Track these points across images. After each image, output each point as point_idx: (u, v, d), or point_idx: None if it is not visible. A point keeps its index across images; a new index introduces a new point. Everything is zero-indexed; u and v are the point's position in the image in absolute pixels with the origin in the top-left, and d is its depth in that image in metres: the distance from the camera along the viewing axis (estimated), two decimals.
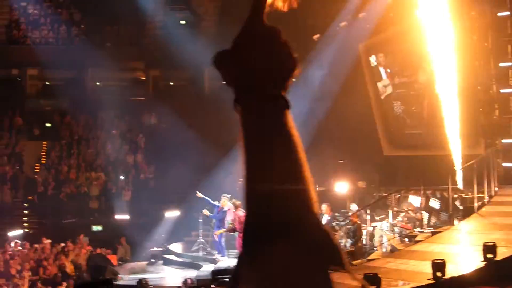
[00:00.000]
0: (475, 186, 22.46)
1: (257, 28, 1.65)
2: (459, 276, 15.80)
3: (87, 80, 43.22)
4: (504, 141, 25.51)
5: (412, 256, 19.69)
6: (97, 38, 42.46)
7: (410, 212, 25.37)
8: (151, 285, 20.66)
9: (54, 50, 39.91)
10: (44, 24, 42.57)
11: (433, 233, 22.09)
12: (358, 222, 24.68)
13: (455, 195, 24.65)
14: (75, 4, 44.34)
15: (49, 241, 30.27)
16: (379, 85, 31.55)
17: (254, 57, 1.62)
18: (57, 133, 41.01)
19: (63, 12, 43.54)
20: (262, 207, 1.53)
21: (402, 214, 25.74)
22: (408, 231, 24.40)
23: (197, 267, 25.14)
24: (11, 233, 31.55)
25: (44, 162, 39.17)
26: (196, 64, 39.31)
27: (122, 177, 37.42)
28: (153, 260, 29.04)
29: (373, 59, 31.57)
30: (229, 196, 25.01)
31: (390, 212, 25.49)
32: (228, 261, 23.70)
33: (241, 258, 1.59)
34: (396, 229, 24.70)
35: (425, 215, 25.12)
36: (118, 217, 34.11)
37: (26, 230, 33.86)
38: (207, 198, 25.30)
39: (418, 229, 23.89)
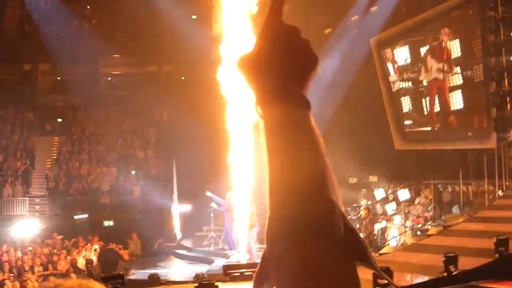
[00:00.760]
0: (486, 180, 22.40)
1: (276, 28, 1.65)
2: (472, 270, 15.76)
3: (99, 76, 43.29)
4: None
5: (424, 249, 19.66)
6: (109, 33, 42.52)
7: (422, 206, 25.33)
8: (162, 280, 20.67)
9: (66, 46, 39.94)
10: (56, 19, 42.63)
11: (445, 227, 22.04)
12: (370, 216, 24.66)
13: (467, 189, 24.62)
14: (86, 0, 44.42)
15: (61, 236, 30.34)
16: (390, 79, 31.52)
17: (274, 57, 1.63)
18: (68, 128, 41.13)
19: (75, 7, 43.62)
20: (287, 207, 1.53)
21: (414, 208, 25.71)
22: (419, 225, 24.38)
23: (209, 261, 25.11)
24: (23, 228, 31.64)
25: (56, 157, 39.26)
26: (207, 59, 39.34)
27: (133, 172, 37.47)
28: (164, 255, 29.07)
29: (383, 54, 31.55)
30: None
31: (402, 206, 25.44)
32: (239, 255, 23.66)
33: (264, 257, 1.58)
34: (408, 223, 24.67)
35: (437, 209, 25.07)
36: (129, 212, 34.16)
37: (38, 225, 33.93)
38: (216, 196, 25.29)
39: (430, 223, 23.84)
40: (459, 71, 28.43)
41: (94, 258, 27.07)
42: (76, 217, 33.07)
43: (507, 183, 22.84)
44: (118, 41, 42.40)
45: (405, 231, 24.08)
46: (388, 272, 14.43)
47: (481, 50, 27.05)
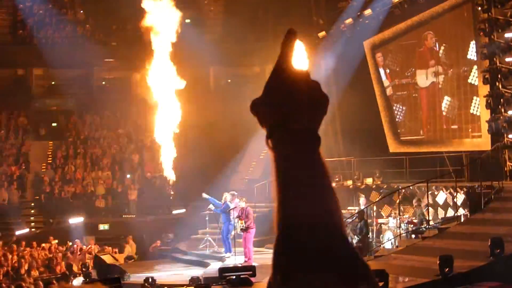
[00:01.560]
0: (481, 182, 22.48)
1: (286, 72, 1.74)
2: (467, 272, 15.83)
3: (93, 79, 43.30)
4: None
5: (419, 252, 19.73)
6: (102, 37, 42.55)
7: (416, 208, 25.39)
8: (158, 283, 20.70)
9: (60, 50, 39.94)
10: (49, 24, 42.64)
11: (440, 230, 22.13)
12: (365, 218, 24.71)
13: (462, 191, 24.69)
14: (79, 4, 44.42)
15: (56, 240, 30.35)
16: (384, 83, 31.66)
17: (285, 97, 1.71)
18: (63, 132, 41.13)
19: (68, 12, 43.63)
20: (296, 238, 1.60)
21: (409, 210, 25.79)
22: (414, 227, 24.44)
23: (204, 265, 25.11)
24: (18, 233, 31.62)
25: (51, 161, 39.27)
26: (202, 63, 39.40)
27: (128, 176, 37.49)
28: (160, 258, 29.06)
29: (377, 57, 31.68)
30: (236, 193, 24.98)
31: (397, 208, 25.50)
32: (235, 259, 23.70)
33: (270, 285, 1.65)
34: (403, 225, 24.73)
35: (432, 211, 25.12)
36: (124, 215, 34.17)
37: (33, 229, 33.93)
38: (212, 198, 25.30)
39: (425, 225, 23.90)
40: (451, 74, 28.57)
41: (89, 262, 27.08)
42: (71, 220, 33.04)
43: (502, 185, 22.93)
44: (112, 46, 42.40)
45: (400, 234, 24.14)
46: (383, 274, 14.49)
47: (474, 52, 27.19)
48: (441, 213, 26.25)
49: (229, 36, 40.55)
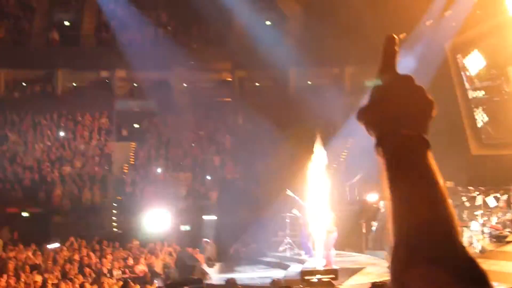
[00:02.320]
0: None
1: (390, 77, 1.71)
2: None
3: (174, 81, 43.68)
4: None
5: (504, 257, 19.40)
6: (183, 39, 42.91)
7: (501, 213, 24.91)
8: (239, 285, 20.73)
9: (142, 52, 40.42)
10: (132, 26, 43.16)
11: None
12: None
13: None
14: (162, 6, 44.88)
15: (138, 241, 30.67)
16: (467, 84, 31.13)
17: (392, 104, 1.68)
18: (145, 134, 41.56)
19: (151, 14, 44.10)
20: (411, 243, 1.56)
21: (492, 214, 25.30)
22: (498, 232, 23.98)
23: (285, 267, 25.11)
24: (100, 233, 32.05)
25: (133, 162, 39.71)
26: (281, 65, 39.44)
27: (208, 178, 37.67)
28: (240, 260, 29.14)
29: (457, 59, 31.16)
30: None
31: (480, 212, 25.04)
32: (315, 261, 23.61)
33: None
34: (486, 230, 24.28)
35: None
36: (205, 217, 34.34)
37: (115, 230, 34.34)
38: (296, 197, 25.23)
39: (509, 229, 23.45)
40: None
41: (171, 262, 27.30)
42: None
43: None
44: (193, 48, 42.73)
45: (484, 238, 23.71)
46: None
47: None
48: None
49: (309, 36, 40.44)
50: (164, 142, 40.53)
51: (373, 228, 26.60)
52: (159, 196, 35.60)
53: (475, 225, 24.92)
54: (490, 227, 24.30)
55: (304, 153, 35.03)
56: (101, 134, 40.82)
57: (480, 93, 30.42)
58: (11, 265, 24.93)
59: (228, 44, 42.99)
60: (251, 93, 42.83)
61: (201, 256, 29.22)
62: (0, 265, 25.27)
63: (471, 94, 30.82)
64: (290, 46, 39.22)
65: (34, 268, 25.50)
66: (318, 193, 23.76)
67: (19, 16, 43.62)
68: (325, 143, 36.48)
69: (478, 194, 26.48)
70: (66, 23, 44.51)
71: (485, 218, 24.88)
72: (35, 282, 23.13)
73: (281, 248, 27.48)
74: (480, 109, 30.57)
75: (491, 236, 23.81)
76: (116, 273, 25.86)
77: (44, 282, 22.83)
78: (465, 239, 24.86)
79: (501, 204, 25.27)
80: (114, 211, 36.57)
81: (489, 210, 25.73)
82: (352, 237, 28.35)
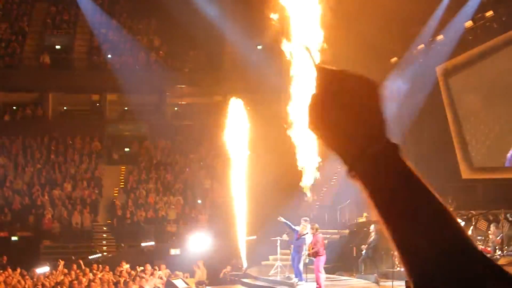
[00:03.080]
0: None
1: (330, 90, 1.60)
2: None
3: (166, 105, 43.70)
4: None
5: None
6: (175, 63, 43.00)
7: (490, 236, 24.92)
8: None
9: (134, 76, 40.47)
10: (123, 50, 43.27)
11: None
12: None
13: None
14: (154, 30, 45.01)
15: (128, 265, 30.53)
16: (458, 109, 31.23)
17: (344, 120, 1.57)
18: (135, 157, 41.54)
19: (143, 38, 44.22)
20: (423, 261, 1.49)
21: (483, 238, 25.30)
22: (488, 255, 23.90)
23: None
24: (91, 257, 31.92)
25: (123, 186, 39.67)
26: (273, 88, 39.49)
27: (199, 201, 37.61)
28: (230, 284, 29.02)
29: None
30: (308, 219, 24.81)
31: (470, 235, 25.00)
32: (306, 285, 23.53)
33: None
34: None
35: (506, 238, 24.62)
36: (195, 240, 34.25)
37: (105, 253, 34.23)
38: (288, 223, 25.15)
39: (499, 252, 23.44)
40: None
41: (161, 287, 27.16)
42: (143, 245, 33.28)
43: None
44: (184, 72, 42.82)
45: None
46: None
47: None
48: None
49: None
50: (155, 166, 40.48)
51: (364, 252, 26.54)
52: (149, 220, 35.59)
53: None
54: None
55: (294, 176, 35.08)
56: (91, 157, 40.77)
57: (471, 118, 30.53)
58: None
59: (220, 68, 43.07)
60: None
61: (192, 280, 29.12)
62: None
63: (462, 117, 30.92)
64: (282, 70, 39.30)
65: None
66: (307, 216, 23.70)
67: (11, 39, 43.64)
68: (316, 166, 36.63)
69: (469, 218, 26.46)
70: (58, 46, 44.53)
71: (477, 242, 24.85)
72: None
73: (271, 272, 27.35)
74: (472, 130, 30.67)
75: None
76: None
77: None
78: None
79: (492, 228, 25.27)
80: (104, 235, 36.49)
81: (480, 233, 25.73)
82: (343, 261, 28.30)
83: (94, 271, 29.34)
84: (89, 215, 36.44)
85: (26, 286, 26.46)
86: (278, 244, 27.09)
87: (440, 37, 31.19)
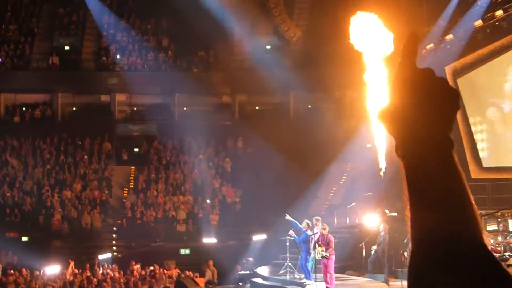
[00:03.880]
0: None
1: (412, 74, 1.67)
2: None
3: (175, 105, 43.74)
4: None
5: None
6: (184, 64, 43.05)
7: (500, 235, 24.89)
8: None
9: (142, 76, 40.56)
10: (132, 51, 43.36)
11: None
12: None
13: None
14: (162, 31, 45.06)
15: (138, 265, 30.56)
16: (467, 109, 31.19)
17: (411, 104, 1.63)
18: (145, 157, 41.57)
19: (151, 39, 44.28)
20: (432, 250, 1.54)
21: (493, 238, 25.25)
22: (498, 255, 23.91)
23: None
24: (101, 257, 31.96)
25: (132, 186, 39.71)
26: (282, 89, 39.54)
27: (208, 201, 37.64)
28: (240, 283, 29.06)
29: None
30: (320, 218, 24.77)
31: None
32: (316, 285, 23.53)
33: None
34: None
35: None
36: (205, 240, 34.30)
37: (115, 253, 34.26)
38: (294, 221, 25.15)
39: (509, 253, 23.40)
40: None
41: (170, 286, 27.20)
42: (153, 245, 33.35)
43: None
44: (193, 72, 42.87)
45: None
46: None
47: None
48: None
49: (309, 60, 40.55)
50: (164, 166, 40.53)
51: (373, 252, 26.52)
52: (159, 220, 35.68)
53: None
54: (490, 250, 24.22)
55: (304, 176, 35.15)
56: (101, 158, 40.84)
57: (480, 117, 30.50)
58: None
59: (229, 68, 43.10)
60: (251, 117, 42.91)
61: (201, 279, 29.15)
62: None
63: (472, 118, 30.89)
64: (290, 70, 39.32)
65: None
66: (316, 215, 23.72)
67: (20, 40, 43.78)
68: (325, 166, 36.68)
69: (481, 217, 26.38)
70: (67, 47, 44.61)
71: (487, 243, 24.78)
72: None
73: (281, 272, 27.36)
74: (482, 131, 30.65)
75: None
76: None
77: None
78: None
79: (501, 227, 25.24)
80: (114, 235, 36.56)
81: (489, 233, 25.69)
82: (352, 261, 28.30)
83: (104, 272, 29.42)
84: (98, 215, 36.50)
85: (36, 286, 26.54)
86: (288, 243, 27.08)
87: (449, 37, 31.16)
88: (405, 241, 24.36)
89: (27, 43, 43.84)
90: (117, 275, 28.80)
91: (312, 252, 23.71)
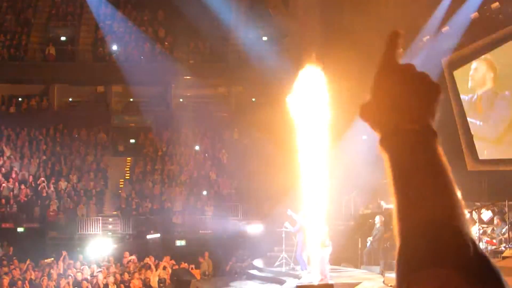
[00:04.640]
0: None
1: (393, 69, 1.68)
2: None
3: (171, 97, 43.70)
4: None
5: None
6: (180, 55, 42.96)
7: (496, 228, 24.89)
8: None
9: (139, 67, 40.48)
10: (128, 42, 43.27)
11: None
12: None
13: None
14: (159, 22, 44.98)
15: (134, 256, 30.59)
16: (464, 100, 31.19)
17: (392, 98, 1.65)
18: (141, 149, 41.55)
19: (148, 30, 44.20)
20: (417, 242, 1.53)
21: (488, 230, 25.28)
22: (494, 247, 23.96)
23: (280, 282, 25.05)
24: (96, 247, 32.01)
25: (128, 177, 39.69)
26: (277, 80, 39.46)
27: (204, 193, 37.63)
28: (236, 275, 29.09)
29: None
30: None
31: (475, 227, 25.00)
32: (311, 276, 23.55)
33: None
34: (481, 245, 24.23)
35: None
36: (201, 232, 34.31)
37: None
38: (295, 215, 25.22)
39: (504, 245, 23.41)
40: None
41: (166, 277, 27.26)
42: (148, 236, 33.36)
43: None
44: (190, 63, 42.80)
45: None
46: None
47: None
48: None
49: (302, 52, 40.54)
50: (160, 157, 40.51)
51: (368, 244, 26.56)
52: (155, 211, 35.68)
53: None
54: (485, 242, 24.28)
55: (299, 168, 35.05)
56: (97, 149, 40.81)
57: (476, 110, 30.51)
58: (5, 281, 24.88)
59: (225, 59, 43.05)
60: (247, 108, 42.84)
61: (197, 271, 29.19)
62: None
63: (468, 110, 30.90)
64: (287, 61, 39.28)
65: (30, 283, 25.44)
66: (313, 207, 23.72)
67: (16, 31, 43.67)
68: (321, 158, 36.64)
69: (473, 210, 26.45)
70: (63, 38, 44.52)
71: (481, 233, 24.84)
72: None
73: (276, 263, 27.39)
74: (478, 120, 30.66)
75: (487, 251, 23.75)
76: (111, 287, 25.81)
77: None
78: None
79: (496, 220, 25.25)
80: (109, 226, 36.53)
81: (485, 225, 25.71)
82: (348, 252, 28.32)
83: (100, 262, 29.45)
84: (94, 206, 36.48)
85: (32, 277, 26.56)
86: (283, 235, 27.11)
87: (445, 29, 31.13)
88: None
89: (23, 34, 43.72)
90: (113, 266, 28.85)
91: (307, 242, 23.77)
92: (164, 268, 28.78)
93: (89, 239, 33.82)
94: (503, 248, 23.00)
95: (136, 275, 27.28)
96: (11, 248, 32.02)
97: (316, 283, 21.67)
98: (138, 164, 40.14)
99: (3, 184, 36.65)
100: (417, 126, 1.64)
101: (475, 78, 29.57)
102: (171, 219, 36.02)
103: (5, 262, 29.02)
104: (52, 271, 27.44)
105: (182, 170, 39.53)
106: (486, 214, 25.79)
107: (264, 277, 27.34)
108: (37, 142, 40.31)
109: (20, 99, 43.00)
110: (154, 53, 43.43)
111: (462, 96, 30.00)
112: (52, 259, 29.84)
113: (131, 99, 43.79)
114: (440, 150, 1.66)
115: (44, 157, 39.25)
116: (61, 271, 27.36)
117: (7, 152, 39.01)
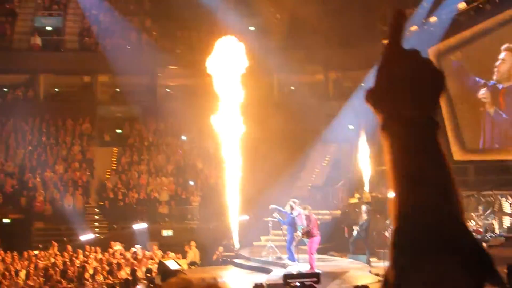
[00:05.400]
0: None
1: (398, 54, 1.68)
2: None
3: (157, 86, 43.61)
4: None
5: None
6: (167, 44, 42.85)
7: (482, 217, 25.01)
8: None
9: (125, 57, 40.32)
10: (115, 31, 43.09)
11: (507, 238, 21.76)
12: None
13: None
14: (145, 11, 44.85)
15: (120, 246, 30.56)
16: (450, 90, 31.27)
17: (397, 84, 1.64)
18: (127, 139, 41.49)
19: (134, 19, 44.05)
20: (414, 228, 1.53)
21: (475, 219, 25.40)
22: (479, 236, 24.06)
23: (267, 271, 25.05)
24: (83, 238, 31.96)
25: (115, 168, 39.63)
26: (267, 71, 39.43)
27: (191, 182, 37.62)
28: (223, 264, 29.09)
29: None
30: (297, 201, 24.97)
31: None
32: (298, 265, 23.62)
33: (387, 275, 1.58)
34: None
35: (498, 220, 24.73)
36: (188, 221, 34.32)
37: (97, 235, 34.23)
38: (279, 208, 25.31)
39: (490, 234, 23.54)
40: None
41: (153, 268, 27.22)
42: (135, 226, 33.31)
43: None
44: (176, 53, 42.68)
45: None
46: None
47: None
48: (507, 221, 25.81)
49: (293, 43, 40.61)
50: (147, 147, 40.45)
51: (355, 233, 26.63)
52: (142, 201, 35.64)
53: None
54: (472, 231, 24.35)
55: (287, 158, 35.17)
56: (83, 139, 40.70)
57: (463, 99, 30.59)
58: None
59: (211, 49, 42.95)
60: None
61: (184, 261, 29.17)
62: None
63: (454, 99, 30.98)
64: (274, 52, 39.23)
65: (16, 274, 25.37)
66: (299, 197, 23.76)
67: (1, 20, 43.43)
68: (308, 148, 36.74)
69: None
70: (49, 28, 44.33)
71: (467, 223, 24.91)
72: None
73: (263, 253, 27.41)
74: (465, 111, 30.77)
75: None
76: (99, 278, 25.76)
77: None
78: None
79: (482, 209, 25.38)
80: (96, 217, 36.50)
81: (471, 215, 25.83)
82: (335, 242, 28.42)
83: (87, 253, 29.39)
84: (81, 196, 36.41)
85: (19, 267, 26.49)
86: (270, 225, 27.14)
87: (433, 19, 31.19)
88: (387, 222, 24.51)
89: (8, 23, 43.48)
90: (100, 256, 28.81)
91: (296, 233, 23.88)
92: (151, 258, 28.77)
93: (75, 229, 33.73)
94: (489, 237, 23.13)
95: (123, 265, 27.23)
96: None
97: (303, 272, 21.75)
98: (125, 154, 40.07)
99: None
100: (419, 115, 1.64)
101: (501, 70, 29.33)
102: (157, 209, 35.99)
103: None
104: (39, 261, 27.37)
105: (168, 160, 39.50)
106: (474, 205, 25.93)
107: (251, 266, 27.36)
108: (22, 132, 40.16)
109: (5, 89, 42.81)
110: (140, 43, 43.32)
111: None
112: (39, 250, 29.78)
113: (117, 89, 43.63)
114: (440, 139, 1.66)
115: (30, 148, 39.12)
116: (49, 262, 27.28)
117: None
